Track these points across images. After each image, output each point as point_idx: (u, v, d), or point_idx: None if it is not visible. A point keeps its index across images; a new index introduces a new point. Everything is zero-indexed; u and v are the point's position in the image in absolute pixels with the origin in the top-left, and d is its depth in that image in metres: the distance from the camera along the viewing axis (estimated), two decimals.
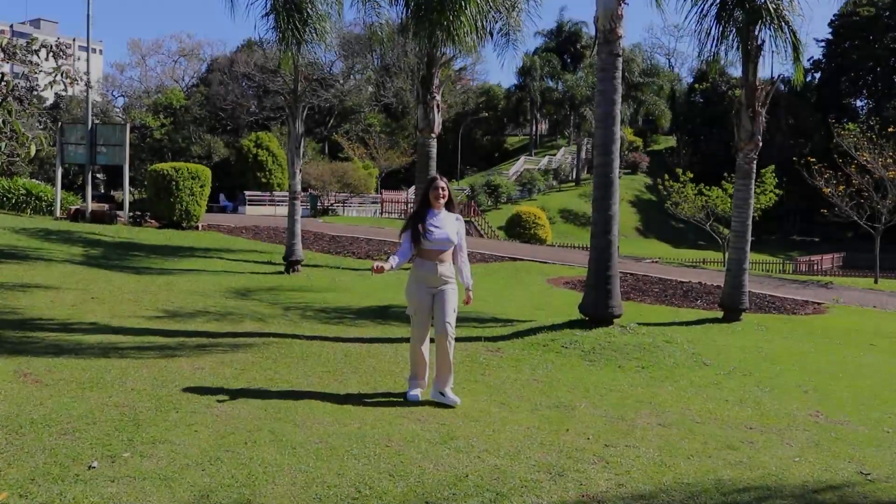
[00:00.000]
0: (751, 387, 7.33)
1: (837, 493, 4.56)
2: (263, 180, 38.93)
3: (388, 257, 5.57)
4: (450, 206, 5.99)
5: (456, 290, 5.93)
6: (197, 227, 22.04)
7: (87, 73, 22.31)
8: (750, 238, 11.98)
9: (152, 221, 22.20)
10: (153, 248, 17.03)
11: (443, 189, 5.91)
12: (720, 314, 12.06)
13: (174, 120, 47.38)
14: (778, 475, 4.79)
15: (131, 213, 23.11)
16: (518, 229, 33.40)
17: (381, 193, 41.45)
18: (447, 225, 5.88)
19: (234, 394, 5.91)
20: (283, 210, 30.53)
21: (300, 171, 14.93)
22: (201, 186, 21.55)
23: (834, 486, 4.67)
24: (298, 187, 14.90)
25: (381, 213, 38.26)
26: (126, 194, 24.17)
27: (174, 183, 20.86)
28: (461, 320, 10.21)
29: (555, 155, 58.79)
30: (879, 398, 7.18)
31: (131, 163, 31.66)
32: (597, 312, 9.55)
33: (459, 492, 4.22)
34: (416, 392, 6.04)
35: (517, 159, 58.17)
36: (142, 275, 12.78)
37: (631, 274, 17.35)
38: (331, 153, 50.46)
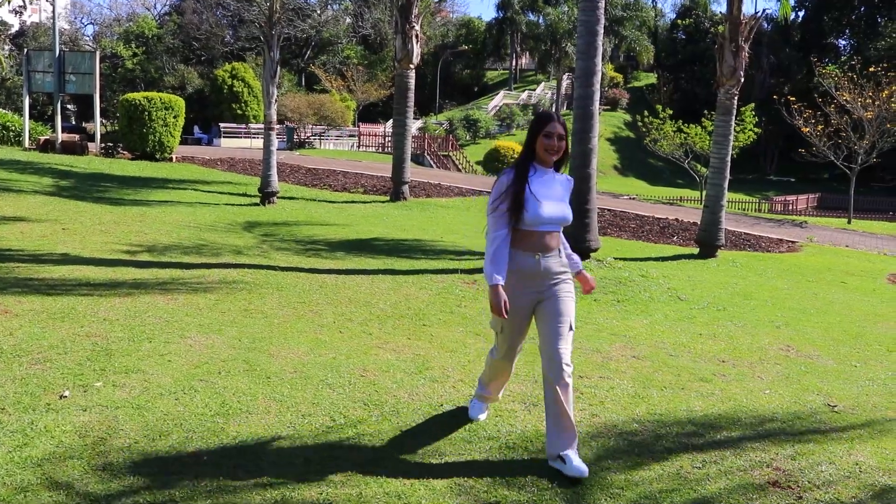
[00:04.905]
0: (724, 321, 7.40)
1: (803, 422, 4.64)
2: (239, 112, 38.29)
3: (489, 272, 3.68)
4: (561, 162, 3.90)
5: (573, 290, 3.91)
6: (171, 159, 21.68)
7: None
8: (728, 175, 11.99)
9: (125, 153, 21.79)
10: (125, 179, 16.75)
11: (560, 137, 3.75)
12: (696, 250, 12.14)
13: (146, 49, 46.20)
14: (748, 406, 4.87)
15: (103, 145, 22.64)
16: (496, 164, 33.19)
17: (358, 126, 40.95)
18: (558, 193, 3.82)
19: (209, 324, 5.86)
20: (259, 142, 30.08)
21: (276, 101, 14.64)
22: (175, 117, 21.12)
23: (800, 416, 4.76)
24: (274, 117, 14.62)
25: (359, 147, 37.86)
26: (97, 125, 23.65)
27: (147, 113, 20.42)
28: (438, 253, 10.22)
29: (534, 90, 58.22)
30: (848, 334, 7.28)
31: (103, 94, 30.96)
32: (574, 246, 9.50)
33: (434, 421, 4.24)
34: (483, 411, 4.32)
35: (496, 94, 57.59)
36: (114, 206, 12.57)
37: (608, 210, 17.37)
38: (307, 85, 49.60)
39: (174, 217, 11.81)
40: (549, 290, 3.78)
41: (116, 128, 26.84)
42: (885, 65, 24.19)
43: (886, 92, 21.99)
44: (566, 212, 3.81)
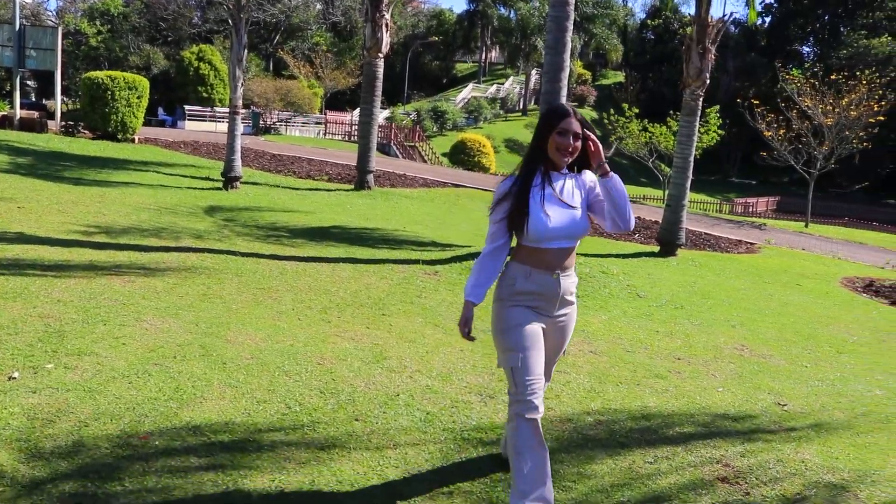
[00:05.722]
0: (681, 319, 7.50)
1: (754, 420, 4.73)
2: (205, 95, 37.72)
3: (466, 285, 3.24)
4: (584, 162, 3.22)
5: (576, 315, 3.39)
6: (133, 140, 21.32)
7: None
8: (691, 175, 12.14)
9: (86, 132, 21.36)
10: (86, 159, 16.43)
11: (576, 136, 3.12)
12: (657, 248, 12.29)
13: (111, 28, 45.26)
14: (701, 403, 4.94)
15: (63, 123, 22.18)
16: (462, 156, 33.20)
17: (325, 114, 40.64)
18: (573, 201, 3.17)
19: (165, 308, 5.78)
20: (224, 126, 29.69)
21: (242, 85, 14.46)
22: (138, 98, 20.75)
23: (751, 414, 4.84)
24: (240, 102, 14.45)
25: (325, 134, 37.59)
26: (58, 102, 23.16)
27: (110, 92, 20.04)
28: (401, 243, 10.21)
29: (503, 84, 58.27)
30: (801, 335, 7.43)
31: (65, 71, 30.29)
32: None
33: (390, 410, 4.24)
34: None
35: (465, 86, 57.52)
36: (73, 186, 12.33)
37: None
38: (275, 70, 49.09)
39: (134, 199, 11.62)
40: (560, 316, 3.26)
41: (78, 106, 26.31)
42: (845, 73, 24.65)
43: (846, 100, 22.42)
44: (581, 223, 3.15)
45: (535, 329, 3.15)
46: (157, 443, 3.59)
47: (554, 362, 3.43)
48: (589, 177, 3.24)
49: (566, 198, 3.14)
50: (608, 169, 3.10)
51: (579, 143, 3.12)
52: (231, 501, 3.18)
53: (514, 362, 3.08)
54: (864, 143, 23.61)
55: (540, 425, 3.07)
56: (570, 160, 3.16)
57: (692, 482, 3.75)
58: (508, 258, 3.25)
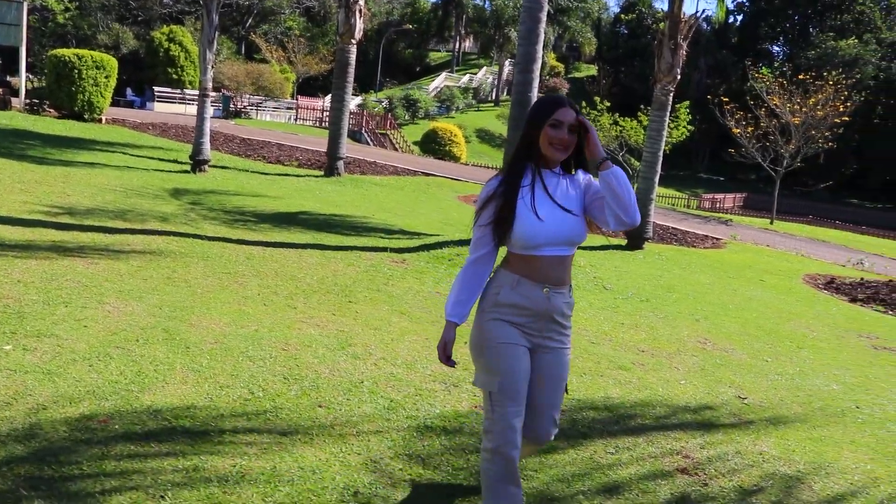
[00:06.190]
0: (646, 312, 7.57)
1: (714, 412, 4.80)
2: (175, 76, 37.19)
3: (447, 302, 2.93)
4: (579, 160, 2.88)
5: (570, 348, 3.07)
6: (100, 120, 20.99)
7: None
8: (659, 170, 12.24)
9: (51, 111, 20.98)
10: (50, 138, 16.14)
11: (572, 128, 2.77)
12: (624, 242, 12.37)
13: (80, 5, 44.41)
14: (664, 395, 5.00)
15: (28, 101, 21.75)
16: (433, 145, 33.15)
17: (297, 99, 40.32)
18: (569, 203, 2.82)
19: (129, 290, 5.71)
20: (193, 109, 29.32)
21: (212, 67, 14.28)
22: (106, 77, 20.40)
23: (712, 406, 4.91)
24: (209, 84, 14.26)
25: (296, 120, 37.31)
26: (22, 79, 22.71)
27: (77, 71, 19.68)
28: (369, 231, 10.17)
29: (476, 74, 58.27)
30: (763, 330, 7.54)
31: (31, 48, 29.67)
32: None
33: (353, 397, 4.23)
34: None
35: (438, 75, 57.40)
36: (37, 165, 12.11)
37: None
38: (247, 54, 48.60)
39: (100, 180, 11.45)
40: (552, 341, 2.92)
41: (44, 84, 25.81)
42: (813, 73, 25.00)
43: (813, 99, 22.75)
44: (577, 227, 2.81)
45: (520, 351, 2.82)
46: (116, 427, 3.55)
47: (556, 404, 3.00)
48: (583, 177, 2.90)
49: (560, 199, 2.79)
50: (606, 157, 2.77)
51: (575, 137, 2.77)
52: (191, 486, 3.15)
53: (493, 386, 2.77)
54: (829, 143, 24.00)
55: (517, 463, 2.77)
56: (565, 156, 2.80)
57: (652, 472, 3.80)
58: (498, 265, 2.92)
